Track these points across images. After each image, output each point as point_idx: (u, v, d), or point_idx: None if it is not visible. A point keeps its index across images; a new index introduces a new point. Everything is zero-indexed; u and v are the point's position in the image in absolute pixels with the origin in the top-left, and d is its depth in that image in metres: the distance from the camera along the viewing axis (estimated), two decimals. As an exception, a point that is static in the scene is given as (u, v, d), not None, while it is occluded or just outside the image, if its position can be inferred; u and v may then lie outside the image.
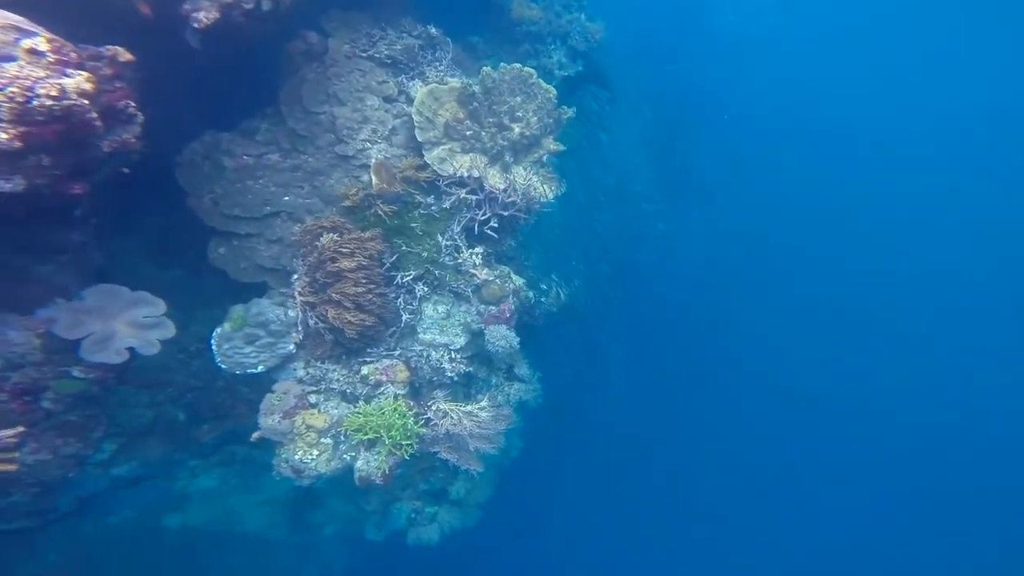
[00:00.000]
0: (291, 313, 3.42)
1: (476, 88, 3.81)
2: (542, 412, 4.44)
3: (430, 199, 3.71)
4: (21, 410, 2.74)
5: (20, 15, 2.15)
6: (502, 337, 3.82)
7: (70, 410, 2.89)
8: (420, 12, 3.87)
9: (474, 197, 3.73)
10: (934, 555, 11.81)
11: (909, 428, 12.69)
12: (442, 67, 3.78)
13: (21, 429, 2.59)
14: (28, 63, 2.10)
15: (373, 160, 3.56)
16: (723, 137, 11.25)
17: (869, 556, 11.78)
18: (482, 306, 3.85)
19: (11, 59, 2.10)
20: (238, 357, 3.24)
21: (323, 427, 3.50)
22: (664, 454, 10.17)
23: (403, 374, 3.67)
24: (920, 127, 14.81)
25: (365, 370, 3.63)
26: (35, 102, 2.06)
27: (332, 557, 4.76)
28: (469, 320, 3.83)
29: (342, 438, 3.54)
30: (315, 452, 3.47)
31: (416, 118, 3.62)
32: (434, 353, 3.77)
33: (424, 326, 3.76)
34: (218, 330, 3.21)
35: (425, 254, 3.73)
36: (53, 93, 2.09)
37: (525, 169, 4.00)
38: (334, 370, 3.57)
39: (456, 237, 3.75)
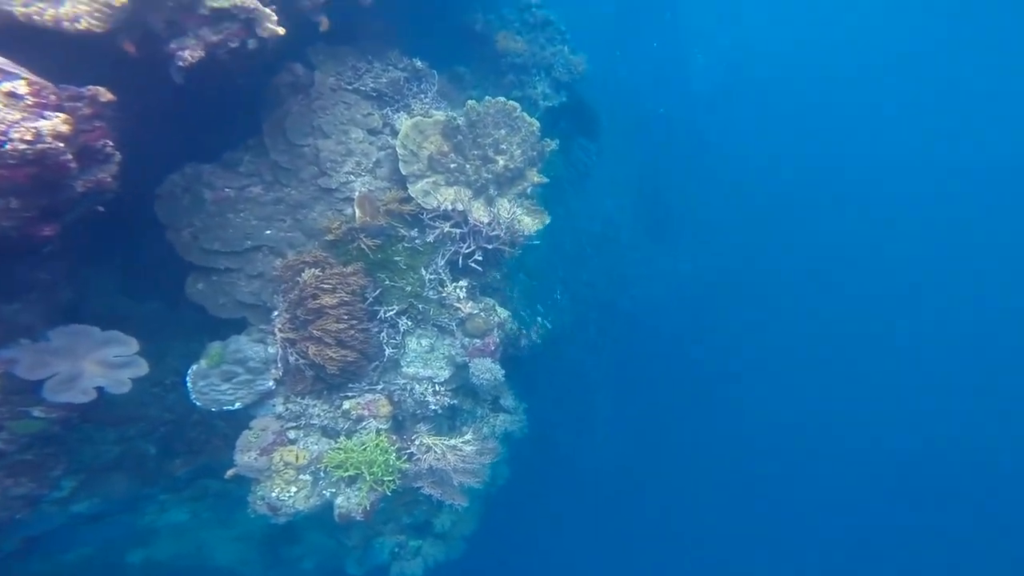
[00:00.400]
0: (271, 350, 3.40)
1: (461, 121, 3.89)
2: (528, 442, 4.50)
3: (414, 232, 3.75)
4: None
5: (4, 57, 2.13)
6: (487, 370, 3.87)
7: (25, 450, 2.81)
8: (407, 44, 3.94)
9: (458, 230, 3.79)
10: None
11: (893, 473, 12.94)
12: (427, 99, 3.85)
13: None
14: (5, 106, 2.08)
15: (357, 193, 3.59)
16: (701, 179, 11.72)
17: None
18: (467, 339, 3.90)
19: (-12, 103, 2.08)
20: (214, 394, 3.20)
21: (302, 464, 3.47)
22: (650, 483, 10.34)
23: (385, 408, 3.68)
24: (903, 173, 15.58)
25: (347, 405, 3.63)
26: (8, 146, 2.05)
27: (311, 592, 4.68)
28: (453, 353, 3.87)
29: (322, 474, 3.51)
30: (293, 489, 3.44)
31: (400, 151, 3.67)
32: (418, 386, 3.79)
33: (407, 360, 3.78)
34: (194, 367, 3.17)
35: (409, 288, 3.76)
36: (27, 137, 2.07)
37: (510, 201, 4.09)
38: (314, 405, 3.55)
39: (440, 271, 3.80)
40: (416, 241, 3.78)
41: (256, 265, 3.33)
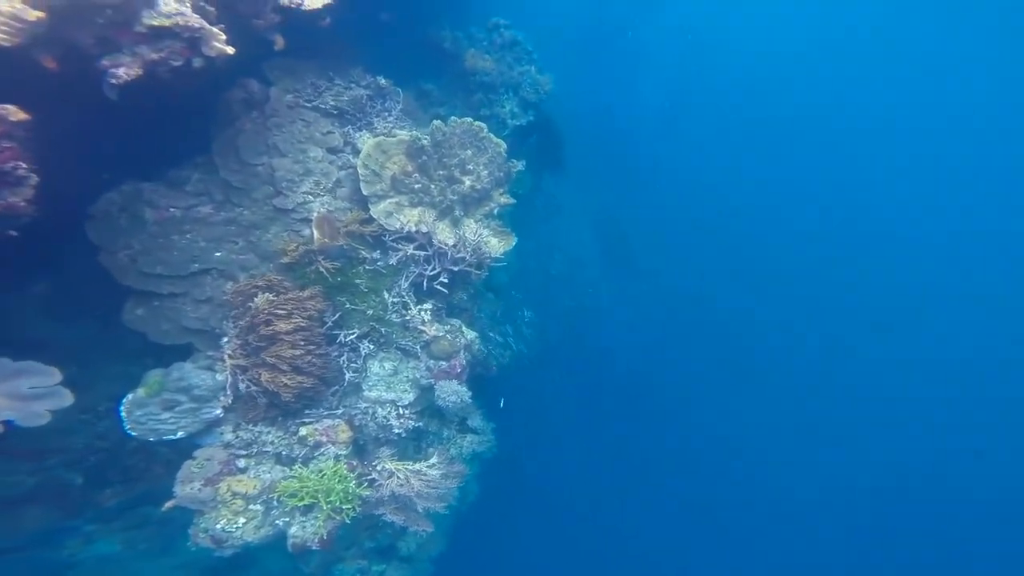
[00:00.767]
0: (219, 377, 3.13)
1: (426, 141, 3.71)
2: (498, 460, 4.35)
3: (376, 254, 3.55)
4: None
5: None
6: (453, 392, 3.72)
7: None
8: (371, 62, 3.75)
9: (423, 252, 3.62)
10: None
11: (846, 507, 13.05)
12: (391, 118, 3.66)
13: None
14: None
15: (315, 214, 3.37)
16: (662, 209, 11.77)
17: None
18: (432, 361, 3.73)
19: None
20: (152, 424, 2.91)
21: (252, 493, 3.20)
22: (615, 501, 10.35)
23: (345, 434, 3.46)
24: (870, 194, 15.89)
25: (303, 431, 3.39)
26: None
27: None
28: (418, 376, 3.70)
29: (275, 503, 3.26)
30: (241, 520, 3.18)
31: (362, 171, 3.46)
32: (380, 410, 3.60)
33: (370, 383, 3.58)
34: (129, 396, 2.87)
35: (371, 311, 3.55)
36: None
37: (476, 223, 3.94)
38: (268, 432, 3.31)
39: (404, 293, 3.62)
40: (378, 263, 3.58)
41: (204, 289, 3.06)
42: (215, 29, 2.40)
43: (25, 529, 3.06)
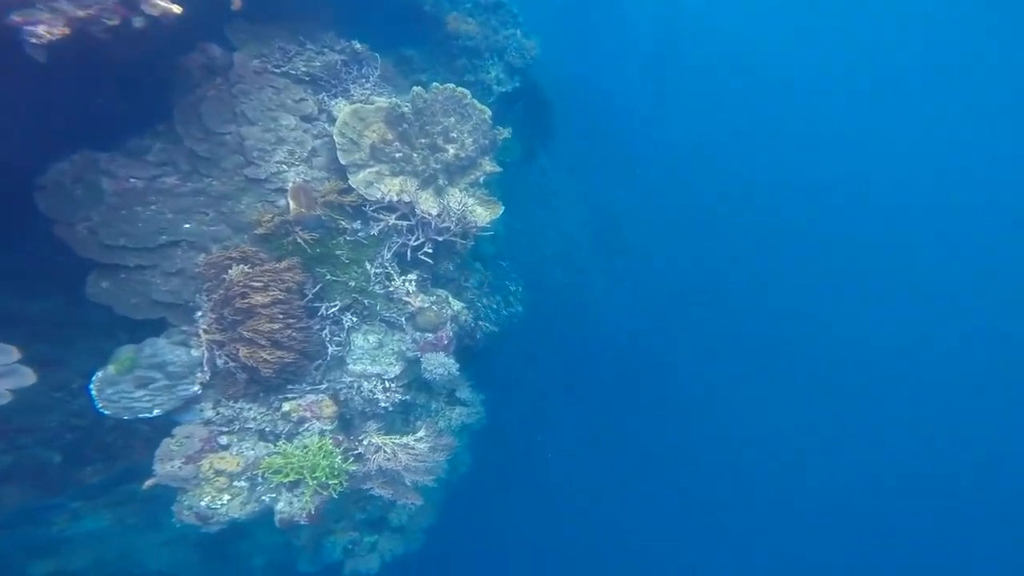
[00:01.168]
0: (195, 353, 2.90)
1: (406, 108, 3.43)
2: (489, 432, 4.13)
3: (356, 225, 3.30)
4: None
5: None
6: (440, 364, 3.49)
7: None
8: (345, 25, 3.44)
9: (405, 223, 3.37)
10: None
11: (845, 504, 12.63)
12: (369, 85, 3.37)
13: None
14: None
15: (290, 184, 3.10)
16: (652, 179, 11.36)
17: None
18: (418, 333, 3.50)
19: None
20: (126, 402, 2.69)
21: (236, 471, 3.00)
22: (607, 467, 10.20)
23: (330, 409, 3.24)
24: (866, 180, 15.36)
25: (287, 407, 3.18)
26: None
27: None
28: (404, 348, 3.47)
29: (260, 480, 3.05)
30: (226, 497, 2.99)
31: (339, 139, 3.19)
32: (366, 384, 3.38)
33: (354, 357, 3.36)
34: (99, 374, 2.65)
35: (353, 283, 3.31)
36: None
37: (461, 192, 3.68)
38: (250, 409, 3.10)
39: (387, 264, 3.37)
40: (359, 234, 3.33)
41: (174, 262, 2.81)
42: (156, -18, 2.10)
43: (5, 507, 2.86)
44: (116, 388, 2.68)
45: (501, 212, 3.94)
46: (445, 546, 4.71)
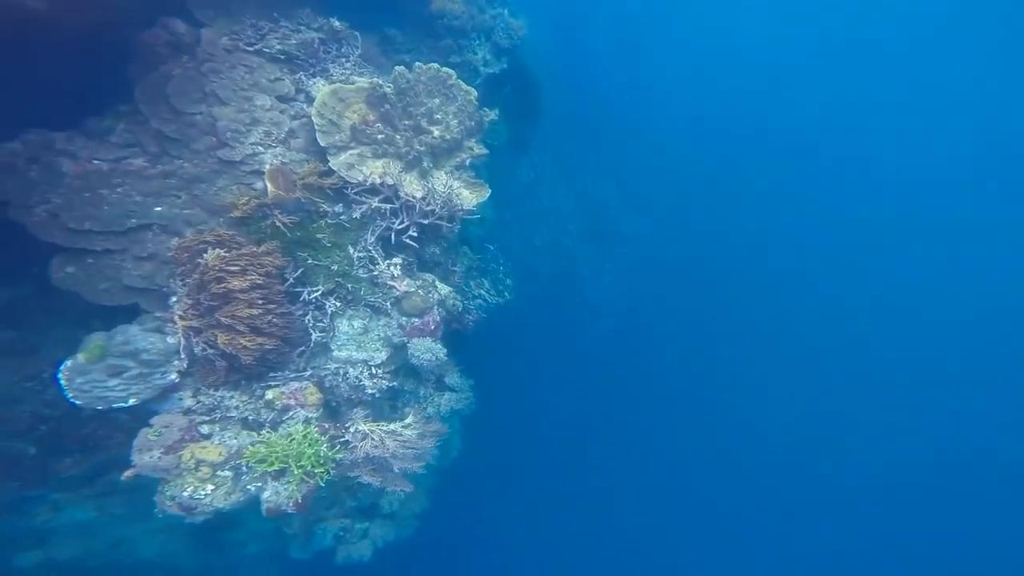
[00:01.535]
0: (171, 340, 2.68)
1: (388, 88, 3.21)
2: (480, 416, 3.93)
3: (338, 208, 3.09)
4: None
5: None
6: (427, 350, 3.30)
7: None
8: (323, 2, 3.18)
9: (389, 206, 3.15)
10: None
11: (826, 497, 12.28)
12: (349, 64, 3.15)
13: None
14: None
15: (268, 166, 2.88)
16: (641, 162, 10.96)
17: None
18: (404, 318, 3.30)
19: None
20: (99, 392, 2.49)
21: (219, 460, 2.79)
22: (597, 448, 9.98)
23: (314, 396, 3.05)
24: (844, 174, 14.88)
25: (270, 395, 2.99)
26: None
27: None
28: (390, 334, 3.27)
29: (244, 469, 2.85)
30: (209, 487, 2.80)
31: (318, 120, 2.98)
32: (352, 370, 3.18)
33: (339, 343, 3.15)
34: (68, 363, 2.45)
35: (335, 267, 3.10)
36: None
37: (447, 174, 3.45)
38: (231, 397, 2.90)
39: (370, 248, 3.17)
40: (341, 217, 3.12)
41: (145, 246, 2.60)
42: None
43: None
44: (87, 377, 2.48)
45: (488, 195, 3.73)
46: (437, 531, 4.52)
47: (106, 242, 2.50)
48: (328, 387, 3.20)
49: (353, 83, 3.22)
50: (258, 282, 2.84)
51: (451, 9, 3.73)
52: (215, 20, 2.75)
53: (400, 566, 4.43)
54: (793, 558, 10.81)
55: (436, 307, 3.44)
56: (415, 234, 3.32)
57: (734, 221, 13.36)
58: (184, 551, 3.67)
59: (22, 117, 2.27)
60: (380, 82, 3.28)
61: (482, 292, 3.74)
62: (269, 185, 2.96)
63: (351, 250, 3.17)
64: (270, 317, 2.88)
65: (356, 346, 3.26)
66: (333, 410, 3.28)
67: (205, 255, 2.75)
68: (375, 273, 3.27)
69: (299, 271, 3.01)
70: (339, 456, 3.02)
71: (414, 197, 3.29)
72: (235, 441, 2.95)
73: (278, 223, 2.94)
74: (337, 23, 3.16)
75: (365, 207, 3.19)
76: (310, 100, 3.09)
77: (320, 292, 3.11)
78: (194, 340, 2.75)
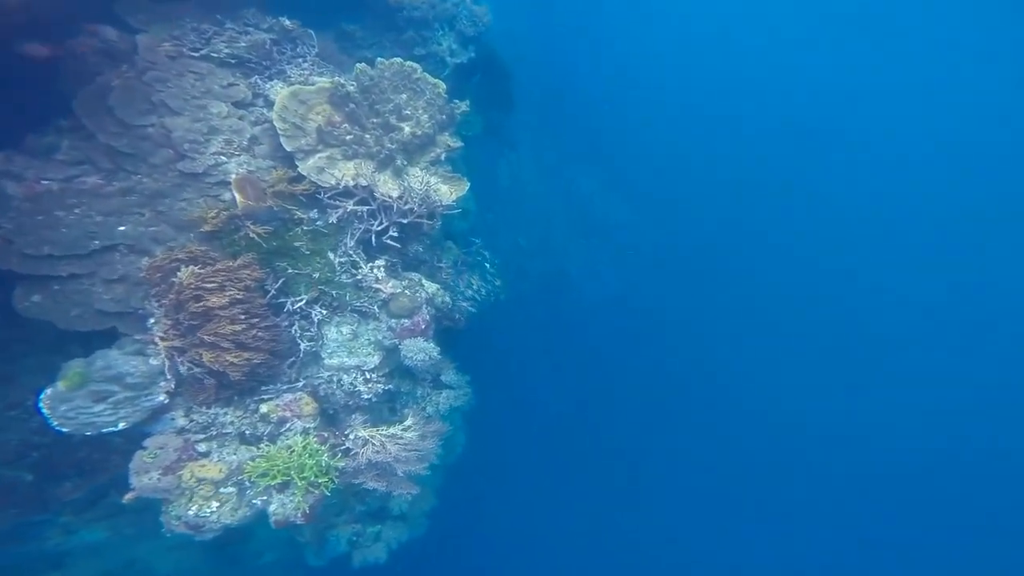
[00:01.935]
0: (154, 361, 2.52)
1: (351, 87, 2.99)
2: (480, 410, 3.78)
3: (313, 214, 2.90)
4: None
5: None
6: (420, 350, 3.14)
7: None
8: (269, 1, 2.88)
9: (365, 207, 2.94)
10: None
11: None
12: (306, 64, 2.92)
13: None
14: None
15: (233, 176, 2.67)
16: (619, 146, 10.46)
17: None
18: (393, 320, 3.13)
19: None
20: (85, 418, 2.33)
21: (220, 477, 2.66)
22: (602, 432, 9.82)
23: (310, 407, 2.90)
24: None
25: (264, 408, 2.85)
26: None
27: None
28: (380, 337, 3.11)
29: (247, 484, 2.71)
30: (214, 504, 2.66)
31: (280, 125, 2.76)
32: (346, 377, 3.03)
33: (329, 351, 2.99)
34: (48, 391, 2.29)
35: (317, 274, 2.93)
36: None
37: (422, 170, 3.24)
38: (225, 413, 2.77)
39: (351, 252, 2.99)
40: (317, 223, 2.93)
41: (114, 267, 2.42)
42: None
43: None
44: (71, 404, 2.33)
45: (467, 188, 3.52)
46: (449, 527, 4.40)
47: (70, 266, 2.31)
48: (323, 395, 3.06)
49: (313, 84, 2.98)
50: (238, 297, 2.66)
51: (409, 0, 3.46)
52: (150, 25, 2.49)
53: (416, 565, 4.32)
54: (793, 555, 10.67)
55: (425, 306, 3.27)
56: (396, 234, 3.13)
57: (723, 208, 12.82)
58: (200, 565, 3.59)
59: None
60: (342, 81, 3.04)
61: (471, 285, 3.56)
62: (237, 195, 2.75)
63: (331, 256, 2.99)
64: (255, 331, 2.71)
65: (347, 352, 3.10)
66: (331, 418, 3.14)
67: (179, 273, 2.56)
68: (359, 277, 3.09)
69: (280, 282, 2.83)
70: (341, 464, 2.89)
71: (391, 197, 3.09)
72: (234, 457, 2.82)
73: (252, 234, 2.74)
74: (288, 22, 2.90)
75: (341, 211, 2.99)
76: (270, 104, 2.86)
77: (304, 301, 2.93)
78: (178, 360, 2.59)
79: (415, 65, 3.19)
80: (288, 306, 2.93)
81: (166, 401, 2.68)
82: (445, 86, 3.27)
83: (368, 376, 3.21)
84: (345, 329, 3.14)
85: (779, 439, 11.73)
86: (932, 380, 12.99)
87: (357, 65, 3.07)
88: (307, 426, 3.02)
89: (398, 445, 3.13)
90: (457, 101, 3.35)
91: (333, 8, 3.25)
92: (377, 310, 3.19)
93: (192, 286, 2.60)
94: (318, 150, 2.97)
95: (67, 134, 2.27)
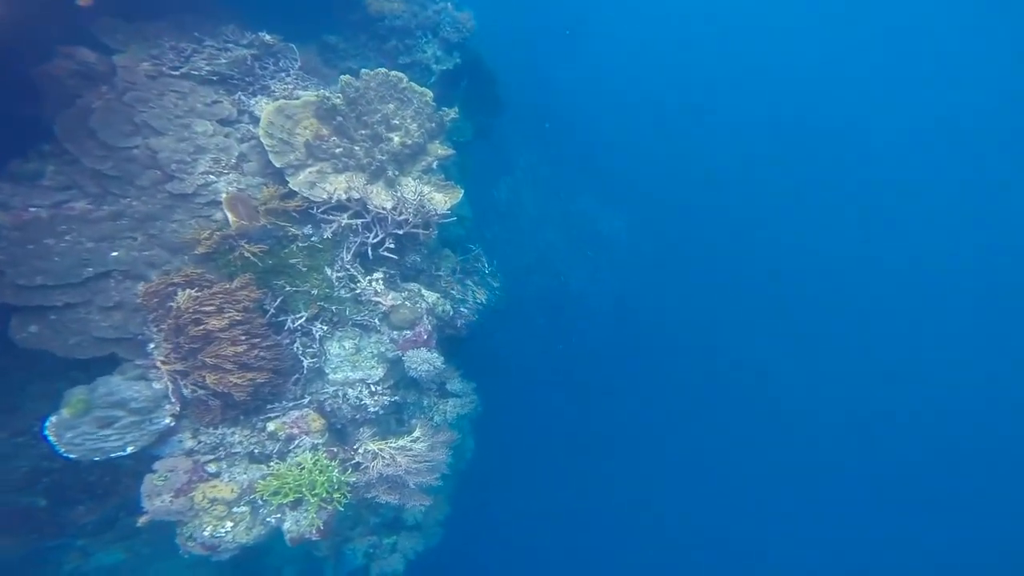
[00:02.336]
0: (157, 386, 2.43)
1: (337, 100, 2.85)
2: (487, 416, 3.66)
3: (307, 229, 2.78)
4: None
5: None
6: (424, 361, 3.04)
7: None
8: (248, 17, 2.78)
9: (360, 220, 2.81)
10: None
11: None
12: (289, 79, 2.78)
13: None
14: None
15: (224, 194, 2.55)
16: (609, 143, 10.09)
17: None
18: (395, 332, 3.02)
19: None
20: (92, 443, 2.25)
21: (232, 497, 2.57)
22: (607, 442, 9.57)
23: (317, 423, 2.81)
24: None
25: (271, 426, 2.76)
26: None
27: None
28: (383, 350, 3.01)
29: (260, 502, 2.63)
30: (228, 524, 2.58)
31: (267, 141, 2.63)
32: (351, 391, 2.94)
33: (332, 366, 2.89)
34: (52, 419, 2.22)
35: (316, 291, 2.82)
36: None
37: (415, 180, 3.10)
38: (233, 433, 2.68)
39: (348, 266, 2.87)
40: (312, 239, 2.81)
41: (110, 295, 2.31)
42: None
43: (5, 555, 2.47)
44: (77, 431, 2.25)
45: (461, 195, 3.37)
46: (464, 534, 4.28)
47: (65, 295, 2.21)
48: (329, 411, 2.96)
49: (298, 98, 2.84)
50: (237, 319, 2.56)
51: (391, 9, 3.26)
52: (127, 45, 2.35)
53: (434, 574, 4.20)
54: (793, 553, 10.41)
55: (426, 316, 3.15)
56: (392, 245, 3.01)
57: (719, 211, 12.27)
58: (225, 585, 3.54)
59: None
60: (327, 94, 2.90)
61: (471, 292, 3.44)
62: (230, 215, 2.64)
63: (329, 271, 2.87)
64: (256, 352, 2.61)
65: (351, 366, 3.00)
66: (339, 432, 3.05)
67: (176, 298, 2.47)
68: (357, 291, 2.98)
69: (278, 300, 2.73)
70: (352, 479, 2.81)
71: (384, 208, 2.96)
72: (245, 476, 2.74)
73: (247, 254, 2.63)
74: (268, 37, 2.74)
75: (335, 225, 2.87)
76: (255, 120, 2.72)
77: (304, 318, 2.83)
78: (182, 383, 2.50)
79: (401, 75, 3.04)
80: (289, 324, 2.82)
81: (172, 424, 2.60)
82: (432, 94, 3.12)
83: (373, 389, 3.10)
84: (347, 344, 3.03)
85: (780, 447, 11.41)
86: (931, 380, 12.57)
87: (342, 77, 2.93)
88: (316, 442, 2.93)
89: (408, 457, 3.03)
90: (446, 108, 3.19)
91: (313, 21, 3.08)
92: (378, 323, 3.08)
93: (190, 310, 2.49)
94: (308, 164, 2.84)
95: (51, 159, 2.16)
